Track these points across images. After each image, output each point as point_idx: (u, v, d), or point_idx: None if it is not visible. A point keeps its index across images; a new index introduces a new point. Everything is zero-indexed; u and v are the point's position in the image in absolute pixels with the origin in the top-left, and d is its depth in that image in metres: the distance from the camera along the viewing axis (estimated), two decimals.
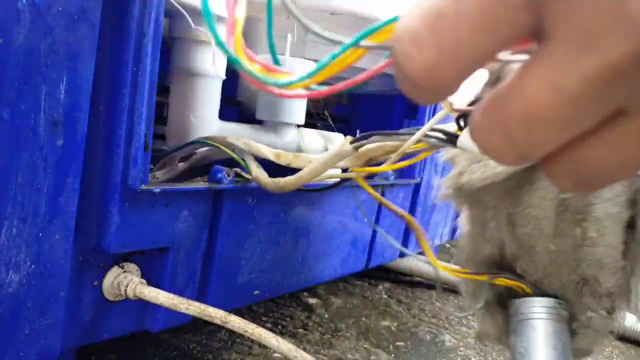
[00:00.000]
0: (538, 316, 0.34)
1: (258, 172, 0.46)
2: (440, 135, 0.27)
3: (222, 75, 0.56)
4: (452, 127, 0.27)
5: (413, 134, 0.29)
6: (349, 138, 0.33)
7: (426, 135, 0.28)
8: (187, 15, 0.46)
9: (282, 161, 0.43)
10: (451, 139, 0.26)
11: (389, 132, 0.30)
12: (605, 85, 0.13)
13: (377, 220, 0.79)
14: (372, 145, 0.31)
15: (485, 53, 0.14)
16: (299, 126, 0.64)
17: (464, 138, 0.25)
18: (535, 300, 0.35)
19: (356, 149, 0.32)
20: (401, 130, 0.30)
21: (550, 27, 0.13)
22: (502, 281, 0.36)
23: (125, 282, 0.45)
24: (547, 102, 0.13)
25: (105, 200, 0.42)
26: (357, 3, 0.67)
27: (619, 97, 0.13)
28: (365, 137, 0.31)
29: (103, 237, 0.42)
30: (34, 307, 0.38)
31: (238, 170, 0.50)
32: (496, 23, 0.13)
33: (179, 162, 0.50)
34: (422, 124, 0.87)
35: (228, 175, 0.48)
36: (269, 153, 0.45)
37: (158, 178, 0.48)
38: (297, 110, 0.61)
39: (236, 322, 0.40)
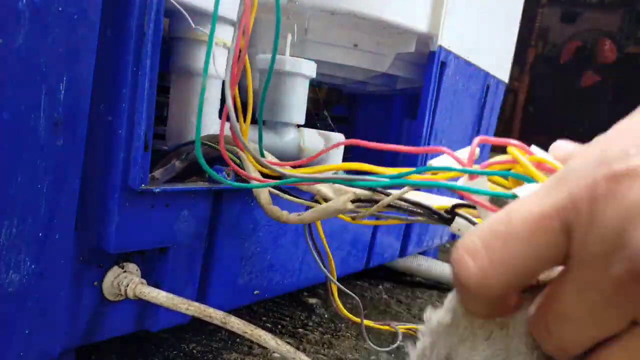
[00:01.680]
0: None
1: (258, 190, 0.46)
2: (434, 214, 0.29)
3: (222, 75, 0.56)
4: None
5: (415, 209, 0.30)
6: (352, 196, 0.35)
7: (420, 209, 0.29)
8: (187, 15, 0.46)
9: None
10: (445, 219, 0.28)
11: (393, 202, 0.32)
12: (615, 298, 0.16)
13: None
14: (374, 210, 0.33)
15: (529, 269, 0.18)
16: (299, 126, 0.64)
17: (460, 222, 0.27)
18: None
19: (356, 207, 0.34)
20: (403, 203, 0.31)
21: (574, 250, 0.17)
22: (388, 327, 0.39)
23: (125, 282, 0.45)
24: (574, 306, 0.17)
25: (105, 200, 0.42)
26: (357, 3, 0.67)
27: (631, 309, 0.16)
28: (369, 202, 0.33)
29: (103, 237, 0.42)
30: (34, 307, 0.38)
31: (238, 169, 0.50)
32: (539, 245, 0.17)
33: (177, 160, 0.50)
34: (422, 124, 0.86)
35: (228, 176, 0.48)
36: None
37: (157, 178, 0.48)
38: (297, 110, 0.61)
39: (235, 323, 0.40)
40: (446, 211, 0.28)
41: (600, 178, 0.16)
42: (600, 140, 0.18)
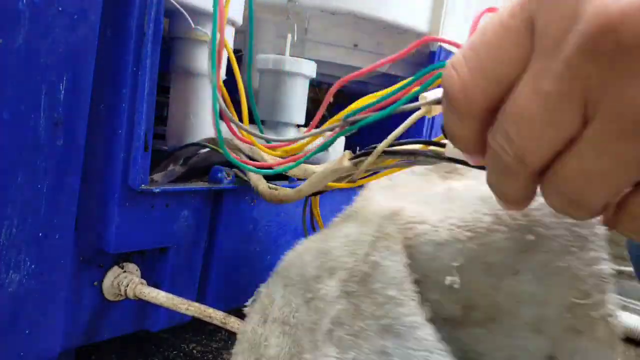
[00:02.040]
0: None
1: (256, 180, 0.46)
2: (430, 152, 0.28)
3: (222, 75, 0.56)
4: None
5: (410, 151, 0.29)
6: (348, 154, 0.33)
7: (416, 154, 0.29)
8: (187, 15, 0.46)
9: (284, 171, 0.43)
10: (437, 154, 0.27)
11: (387, 148, 0.30)
12: (568, 84, 0.15)
13: None
14: (371, 160, 0.31)
15: (503, 74, 0.17)
16: (299, 126, 0.64)
17: (451, 147, 0.26)
18: None
19: (355, 164, 0.32)
20: (398, 148, 0.30)
21: (534, 44, 0.16)
22: None
23: (125, 282, 0.45)
24: (530, 103, 0.16)
25: (105, 200, 0.42)
26: (357, 3, 0.67)
27: (582, 96, 0.15)
28: (365, 154, 0.32)
29: (103, 237, 0.42)
30: (34, 307, 0.38)
31: (238, 171, 0.50)
32: (506, 46, 0.17)
33: (176, 165, 0.50)
34: (421, 125, 0.86)
35: (228, 175, 0.48)
36: (271, 161, 0.45)
37: (156, 181, 0.48)
38: (297, 111, 0.61)
39: (235, 323, 0.40)
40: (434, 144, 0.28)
41: None
42: None
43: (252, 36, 0.46)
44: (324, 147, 0.32)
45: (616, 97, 0.15)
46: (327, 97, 0.32)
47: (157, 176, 0.48)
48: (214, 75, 0.34)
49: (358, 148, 0.33)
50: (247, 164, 0.38)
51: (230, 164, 0.50)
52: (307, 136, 0.34)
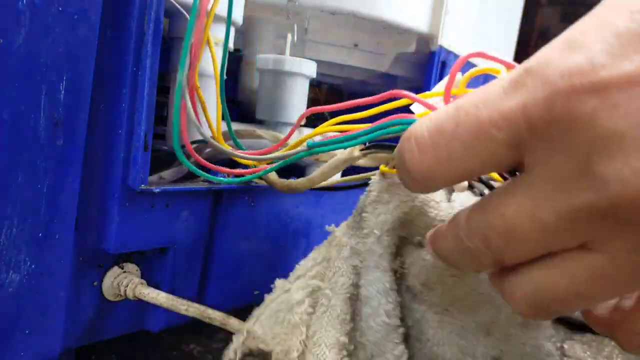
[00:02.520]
0: None
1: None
2: None
3: (222, 75, 0.56)
4: None
5: None
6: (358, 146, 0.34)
7: None
8: (187, 15, 0.46)
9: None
10: None
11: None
12: (570, 223, 0.15)
13: None
14: (381, 153, 0.32)
15: (471, 172, 0.17)
16: (300, 126, 0.64)
17: None
18: None
19: (365, 155, 0.34)
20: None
21: (530, 165, 0.16)
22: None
23: (125, 282, 0.45)
24: (523, 225, 0.16)
25: (105, 200, 0.42)
26: (357, 3, 0.67)
27: (584, 235, 0.15)
28: (375, 146, 0.32)
29: (103, 237, 0.42)
30: (34, 307, 0.38)
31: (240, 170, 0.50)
32: (482, 152, 0.16)
33: None
34: None
35: (228, 175, 0.48)
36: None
37: (165, 179, 0.48)
38: (297, 111, 0.61)
39: (235, 324, 0.40)
40: None
41: (561, 94, 0.14)
42: (567, 36, 0.16)
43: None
44: (284, 163, 0.35)
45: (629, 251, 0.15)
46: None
47: (165, 173, 0.48)
48: (182, 73, 0.35)
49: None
50: (221, 170, 0.40)
51: (232, 164, 0.50)
52: (272, 158, 0.36)
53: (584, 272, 0.16)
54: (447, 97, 0.23)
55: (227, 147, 0.41)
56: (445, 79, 0.23)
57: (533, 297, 0.17)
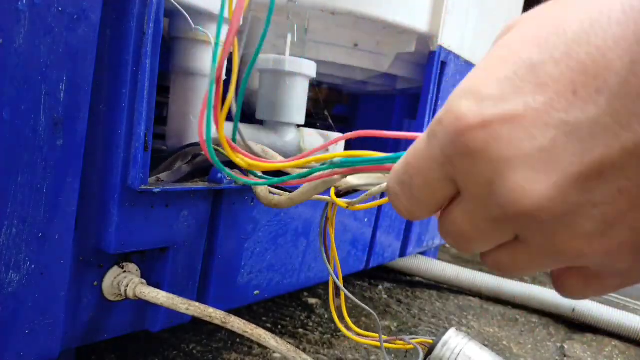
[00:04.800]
0: (460, 346, 0.41)
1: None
2: None
3: (222, 75, 0.56)
4: None
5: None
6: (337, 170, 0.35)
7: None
8: (187, 15, 0.46)
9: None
10: None
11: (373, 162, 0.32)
12: (496, 226, 0.20)
13: (376, 220, 0.79)
14: (357, 177, 0.34)
15: (436, 205, 0.22)
16: (299, 126, 0.64)
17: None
18: (446, 340, 0.42)
19: (345, 175, 0.34)
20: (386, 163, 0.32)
21: (460, 190, 0.21)
22: (401, 345, 0.44)
23: (125, 282, 0.45)
24: (465, 228, 0.21)
25: (105, 200, 0.42)
26: (357, 3, 0.67)
27: (511, 234, 0.20)
28: (353, 165, 0.34)
29: (103, 237, 0.42)
30: (34, 307, 0.38)
31: (238, 172, 0.50)
32: (434, 191, 0.22)
33: (183, 163, 0.50)
34: (422, 125, 0.86)
35: (228, 176, 0.48)
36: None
37: (162, 180, 0.48)
38: (297, 111, 0.61)
39: (236, 323, 0.40)
40: None
41: (458, 134, 0.19)
42: (464, 86, 0.20)
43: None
44: (305, 174, 0.34)
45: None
46: None
47: (163, 175, 0.48)
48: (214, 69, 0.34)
49: None
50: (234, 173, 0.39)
51: (232, 164, 0.50)
52: (296, 177, 0.36)
53: (521, 256, 0.21)
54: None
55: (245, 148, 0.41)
56: None
57: (496, 268, 0.23)
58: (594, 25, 0.17)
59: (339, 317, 0.43)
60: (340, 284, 0.43)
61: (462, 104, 0.19)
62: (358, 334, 0.45)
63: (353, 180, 0.35)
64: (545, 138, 0.17)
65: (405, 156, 0.23)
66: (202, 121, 0.29)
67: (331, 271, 0.42)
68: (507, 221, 0.19)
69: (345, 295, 0.42)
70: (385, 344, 0.43)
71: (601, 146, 0.17)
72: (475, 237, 0.21)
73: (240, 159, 0.26)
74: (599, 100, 0.17)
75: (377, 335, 0.43)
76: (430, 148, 0.21)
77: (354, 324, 0.46)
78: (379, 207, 0.79)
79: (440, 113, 0.20)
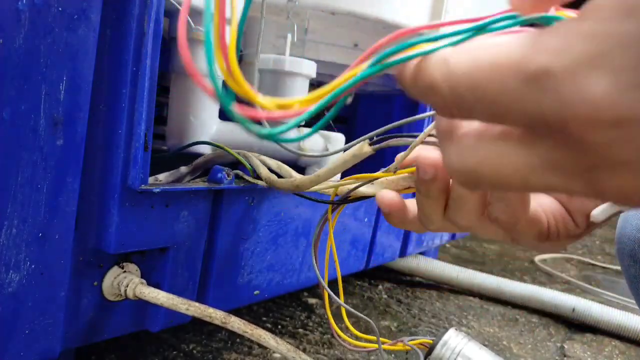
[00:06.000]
0: (460, 346, 0.42)
1: (268, 175, 0.46)
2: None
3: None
4: None
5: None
6: (367, 140, 0.34)
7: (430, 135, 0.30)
8: (187, 16, 0.46)
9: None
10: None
11: (405, 134, 0.32)
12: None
13: (376, 220, 0.79)
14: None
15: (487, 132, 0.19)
16: (299, 126, 0.64)
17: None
18: (446, 340, 0.42)
19: (374, 151, 0.33)
20: (418, 134, 0.31)
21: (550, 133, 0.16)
22: (403, 347, 0.44)
23: (125, 282, 0.45)
24: (517, 168, 0.17)
25: (105, 200, 0.42)
26: (357, 3, 0.67)
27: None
28: (384, 140, 0.33)
29: (103, 237, 0.42)
30: (34, 307, 0.38)
31: (239, 172, 0.50)
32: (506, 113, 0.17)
33: (183, 165, 0.50)
34: (422, 125, 0.86)
35: (228, 176, 0.48)
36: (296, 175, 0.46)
37: (161, 180, 0.48)
38: None
39: (236, 323, 0.40)
40: None
41: (579, 121, 0.14)
42: (587, 36, 0.14)
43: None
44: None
45: None
46: None
47: (162, 176, 0.48)
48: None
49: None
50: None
51: (232, 165, 0.50)
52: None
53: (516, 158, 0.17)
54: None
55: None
56: None
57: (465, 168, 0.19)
58: None
59: (338, 319, 0.43)
60: (340, 286, 0.43)
61: (592, 81, 0.14)
62: (357, 337, 0.45)
63: (368, 189, 0.35)
64: None
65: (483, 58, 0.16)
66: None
67: (324, 284, 0.41)
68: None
69: (340, 304, 0.41)
70: (383, 347, 0.43)
71: None
72: (515, 181, 0.17)
73: (263, 99, 0.20)
74: None
75: (375, 338, 0.43)
76: (531, 101, 0.15)
77: (353, 324, 0.46)
78: (379, 209, 0.79)
79: (549, 57, 0.14)
